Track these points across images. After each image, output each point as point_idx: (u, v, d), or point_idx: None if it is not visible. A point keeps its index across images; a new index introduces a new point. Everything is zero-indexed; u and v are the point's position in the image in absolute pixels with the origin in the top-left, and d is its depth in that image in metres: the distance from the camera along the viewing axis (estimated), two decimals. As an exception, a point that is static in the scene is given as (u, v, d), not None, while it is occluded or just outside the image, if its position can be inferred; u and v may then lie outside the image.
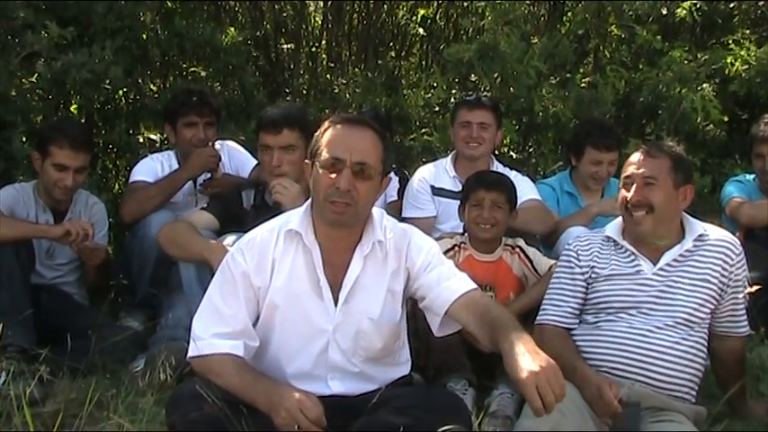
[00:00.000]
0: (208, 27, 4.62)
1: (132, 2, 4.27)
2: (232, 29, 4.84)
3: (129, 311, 3.38)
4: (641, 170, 2.47)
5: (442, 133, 4.57)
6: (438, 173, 3.69)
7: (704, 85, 4.50)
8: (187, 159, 3.52)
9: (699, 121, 4.52)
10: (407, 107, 4.89)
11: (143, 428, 2.24)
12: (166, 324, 2.94)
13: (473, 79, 4.86)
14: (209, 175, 3.53)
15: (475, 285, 2.17)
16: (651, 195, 2.44)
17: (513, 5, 4.79)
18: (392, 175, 3.78)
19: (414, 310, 2.47)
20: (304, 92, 5.41)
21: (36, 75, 3.86)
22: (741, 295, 2.50)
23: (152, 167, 3.62)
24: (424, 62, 5.91)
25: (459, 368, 2.69)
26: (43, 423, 2.27)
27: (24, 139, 3.77)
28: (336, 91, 5.30)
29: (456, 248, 3.03)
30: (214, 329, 2.14)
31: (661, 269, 2.45)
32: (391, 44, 5.93)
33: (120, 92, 4.68)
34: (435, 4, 5.73)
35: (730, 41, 4.71)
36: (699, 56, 4.76)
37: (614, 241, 2.55)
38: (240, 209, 3.11)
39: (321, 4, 5.75)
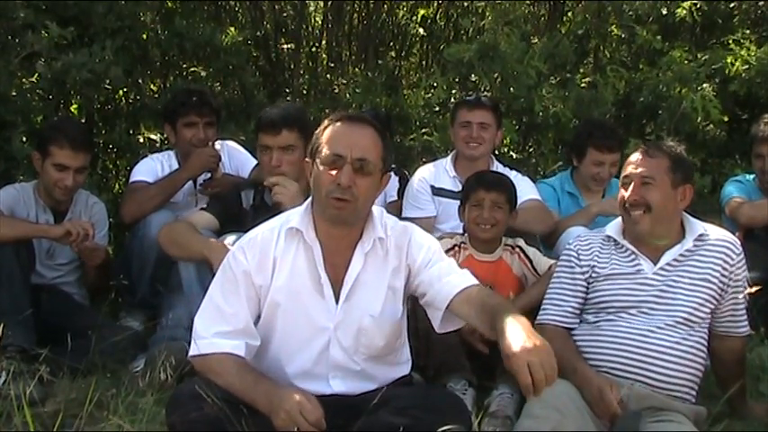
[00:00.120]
0: (208, 27, 4.62)
1: (132, 2, 4.27)
2: (232, 29, 4.84)
3: (129, 311, 3.38)
4: (639, 170, 2.48)
5: (442, 133, 4.57)
6: (438, 173, 3.69)
7: (704, 85, 4.50)
8: (187, 159, 3.51)
9: (699, 121, 4.53)
10: (407, 107, 4.89)
11: (143, 428, 2.24)
12: (166, 324, 2.94)
13: (473, 79, 4.86)
14: (209, 175, 3.53)
15: (476, 281, 2.17)
16: (648, 195, 2.44)
17: (513, 5, 4.81)
18: (392, 174, 3.83)
19: (414, 310, 2.47)
20: (304, 92, 5.42)
21: (36, 75, 3.86)
22: (741, 295, 2.50)
23: (152, 167, 3.62)
24: (424, 62, 5.92)
25: (459, 368, 2.69)
26: (43, 423, 2.27)
27: (24, 139, 3.77)
28: (337, 91, 5.31)
29: (456, 248, 3.03)
30: (216, 328, 2.14)
31: (661, 269, 2.45)
32: (391, 44, 5.93)
33: (121, 92, 4.69)
34: (435, 4, 5.74)
35: (730, 41, 4.71)
36: (699, 56, 4.76)
37: (615, 241, 2.56)
38: (240, 209, 3.10)
39: (321, 4, 5.76)
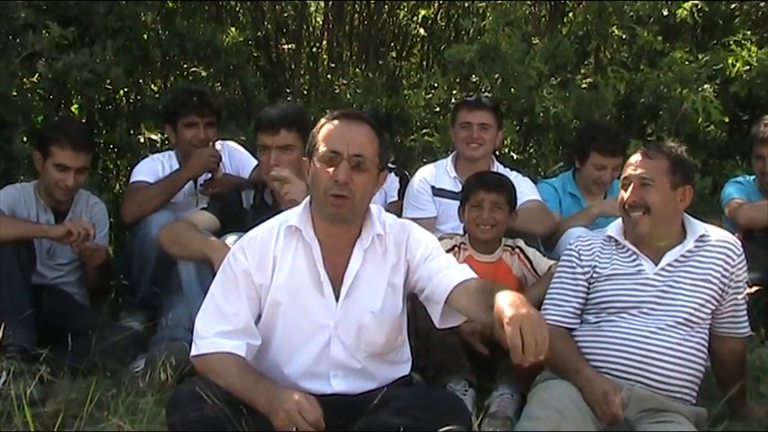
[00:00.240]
0: (209, 27, 4.62)
1: (133, 2, 4.28)
2: (233, 29, 4.84)
3: (130, 311, 3.38)
4: (638, 171, 2.48)
5: (442, 134, 4.57)
6: (438, 173, 3.69)
7: (705, 86, 4.49)
8: (188, 159, 3.51)
9: (699, 122, 4.52)
10: (408, 107, 4.89)
11: (143, 429, 2.24)
12: (167, 324, 2.94)
13: (474, 80, 4.87)
14: (209, 175, 3.53)
15: (474, 275, 2.18)
16: (647, 196, 2.44)
17: (514, 6, 4.80)
18: (391, 174, 3.83)
19: (414, 310, 2.47)
20: (305, 92, 5.42)
21: (37, 75, 3.87)
22: (742, 296, 2.50)
23: (152, 168, 3.62)
24: (424, 63, 5.92)
25: (459, 369, 2.69)
26: (43, 423, 2.27)
27: (25, 139, 3.77)
28: (337, 91, 5.30)
29: (456, 249, 3.03)
30: (217, 328, 2.15)
31: (662, 269, 2.45)
32: (392, 44, 5.94)
33: (121, 92, 4.69)
34: (436, 4, 5.74)
35: (731, 42, 4.71)
36: (700, 57, 4.75)
37: (616, 241, 2.56)
38: (240, 209, 3.10)
39: (322, 4, 5.76)
